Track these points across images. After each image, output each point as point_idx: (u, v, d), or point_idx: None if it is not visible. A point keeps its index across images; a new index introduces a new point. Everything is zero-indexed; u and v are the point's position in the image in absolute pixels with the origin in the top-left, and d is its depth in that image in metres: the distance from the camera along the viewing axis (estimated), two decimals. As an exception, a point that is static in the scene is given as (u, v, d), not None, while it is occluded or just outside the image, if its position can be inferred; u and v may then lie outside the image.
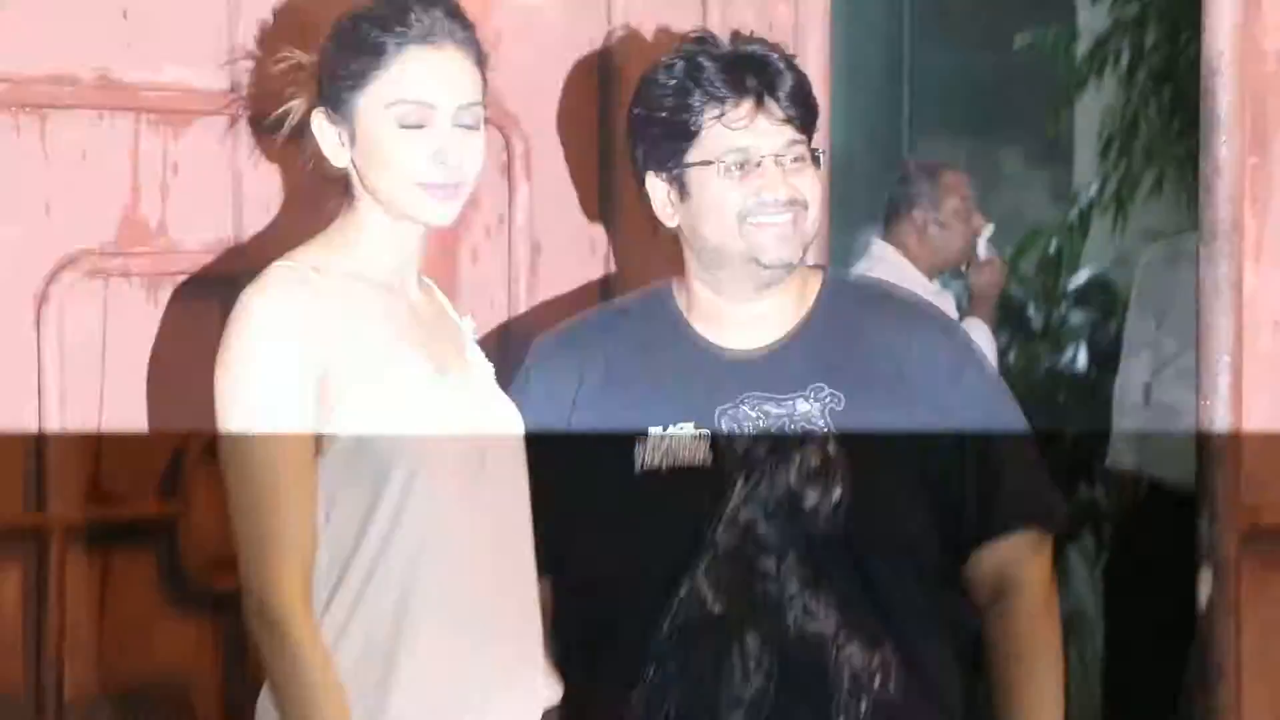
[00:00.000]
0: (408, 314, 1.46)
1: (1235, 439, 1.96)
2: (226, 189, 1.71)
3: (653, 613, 1.58)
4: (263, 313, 1.37)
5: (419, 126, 1.32)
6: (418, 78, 1.33)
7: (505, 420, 1.47)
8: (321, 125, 1.35)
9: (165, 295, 1.77)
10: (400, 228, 1.38)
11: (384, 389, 1.40)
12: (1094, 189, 4.45)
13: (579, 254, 1.89)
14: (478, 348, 1.52)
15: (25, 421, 1.68)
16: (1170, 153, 3.81)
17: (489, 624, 1.48)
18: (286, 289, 1.38)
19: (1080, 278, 4.48)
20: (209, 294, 1.69)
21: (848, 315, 1.63)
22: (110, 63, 1.67)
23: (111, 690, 1.85)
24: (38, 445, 1.71)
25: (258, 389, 1.36)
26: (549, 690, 1.53)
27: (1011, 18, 4.81)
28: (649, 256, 1.75)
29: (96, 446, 1.80)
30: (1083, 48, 4.35)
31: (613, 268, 1.91)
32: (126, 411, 1.78)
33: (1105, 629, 3.35)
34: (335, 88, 1.35)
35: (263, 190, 1.73)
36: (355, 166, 1.37)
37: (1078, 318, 4.26)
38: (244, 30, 1.69)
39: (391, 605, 1.44)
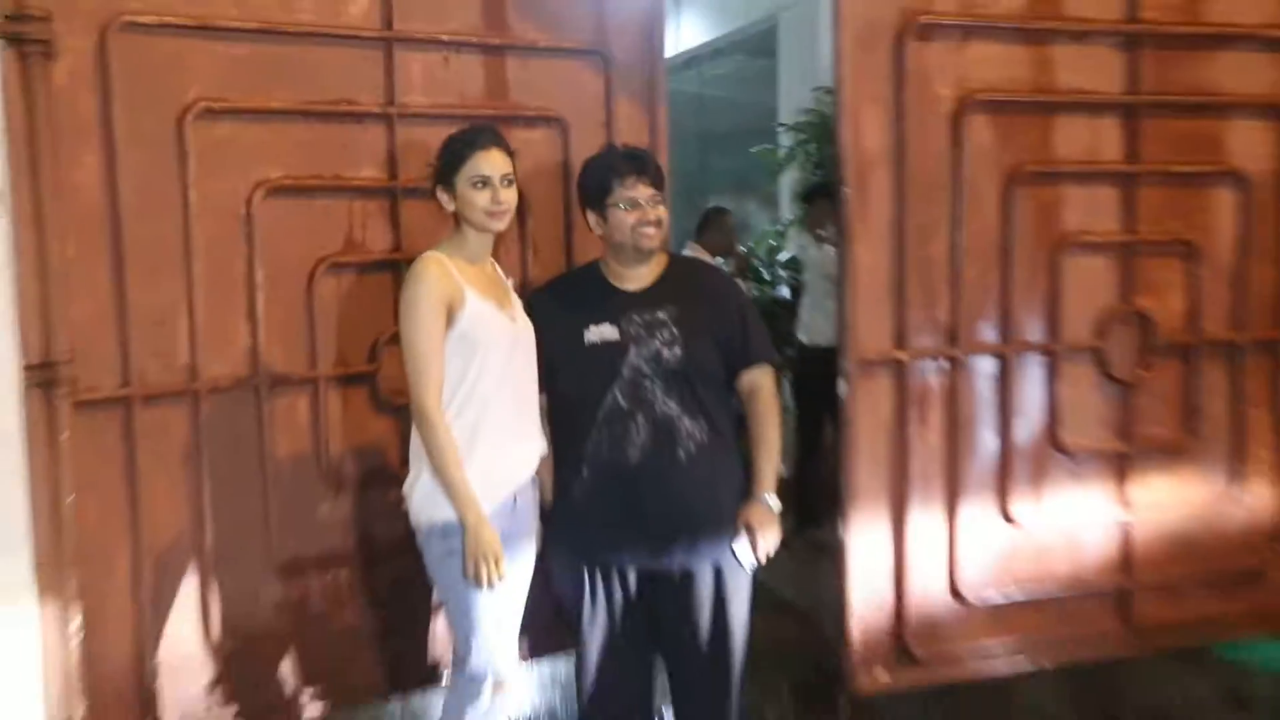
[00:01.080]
0: (485, 277, 2.48)
1: (846, 325, 3.22)
2: (391, 221, 2.91)
3: (594, 407, 2.60)
4: (424, 272, 2.36)
5: (484, 187, 2.40)
6: (483, 164, 2.40)
7: (525, 326, 2.52)
8: (440, 192, 2.44)
9: (365, 275, 2.89)
10: (481, 235, 2.45)
11: (474, 312, 2.39)
12: (788, 216, 7.18)
13: (555, 250, 3.08)
14: (514, 293, 2.57)
15: (304, 334, 2.85)
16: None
17: (518, 415, 2.50)
18: (433, 262, 2.39)
19: (784, 256, 7.02)
20: (384, 272, 2.91)
21: (681, 271, 2.73)
22: (341, 170, 2.85)
23: (351, 450, 2.91)
24: (310, 342, 2.85)
25: (422, 306, 2.34)
26: (542, 446, 2.57)
27: (752, 141, 7.41)
28: (589, 251, 2.93)
29: (339, 341, 2.88)
30: (782, 153, 7.06)
31: (574, 257, 3.07)
32: (351, 324, 2.89)
33: (796, 411, 5.36)
34: (445, 172, 2.43)
35: (414, 221, 2.91)
36: (457, 208, 2.43)
37: (783, 274, 6.79)
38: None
39: (475, 409, 2.41)
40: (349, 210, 2.90)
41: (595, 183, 2.66)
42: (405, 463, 2.83)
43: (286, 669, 2.92)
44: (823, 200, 5.08)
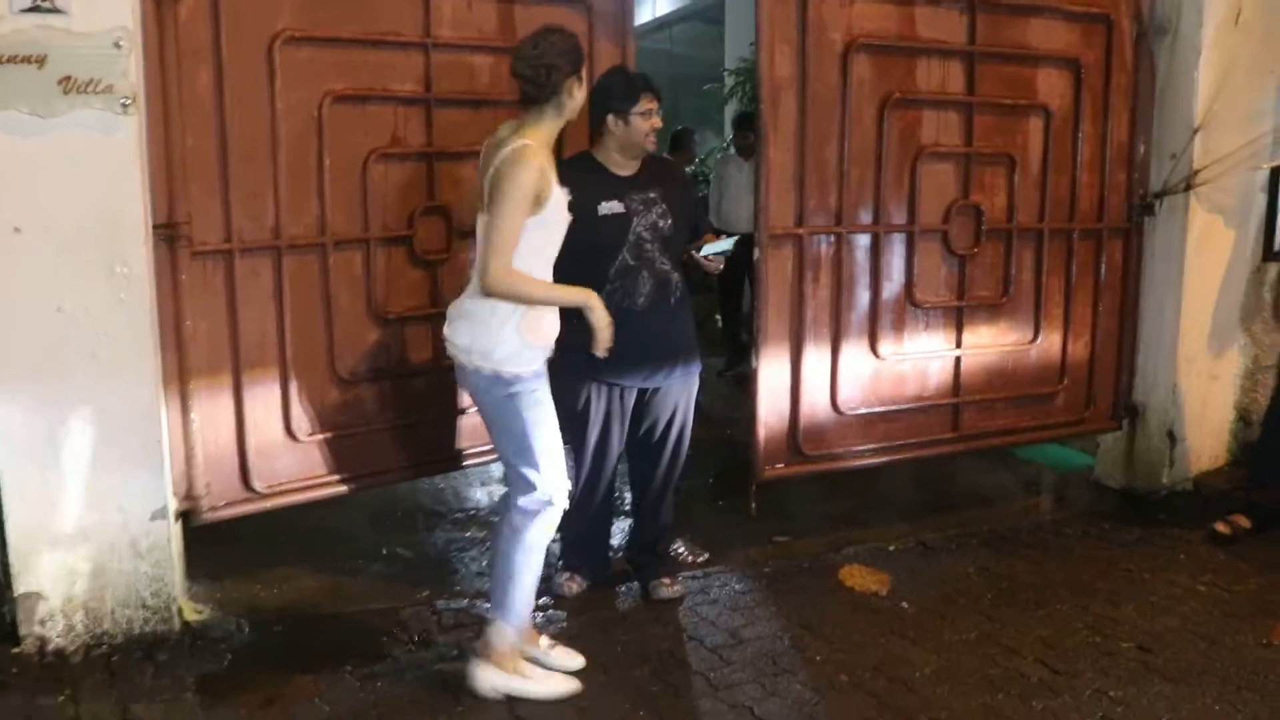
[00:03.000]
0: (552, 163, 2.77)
1: (761, 208, 3.84)
2: (426, 124, 3.49)
3: (608, 264, 3.17)
4: (528, 164, 2.63)
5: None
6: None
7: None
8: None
9: (406, 163, 3.48)
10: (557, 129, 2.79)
11: (556, 201, 2.73)
12: (729, 137, 8.03)
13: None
14: None
15: (359, 206, 3.46)
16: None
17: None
18: (535, 156, 2.66)
19: None
20: (421, 161, 3.52)
21: (657, 164, 3.33)
22: (389, 85, 3.43)
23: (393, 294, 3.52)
24: (364, 212, 3.46)
25: (518, 195, 2.64)
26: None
27: (704, 80, 8.60)
28: (574, 147, 3.42)
29: (384, 212, 3.48)
30: (726, 90, 8.31)
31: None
32: (395, 199, 3.48)
33: (719, 282, 6.21)
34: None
35: (444, 123, 3.51)
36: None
37: None
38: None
39: (540, 276, 2.78)
40: (394, 115, 3.49)
41: (623, 93, 3.15)
42: (435, 302, 3.47)
43: (345, 454, 3.57)
44: (748, 125, 6.04)
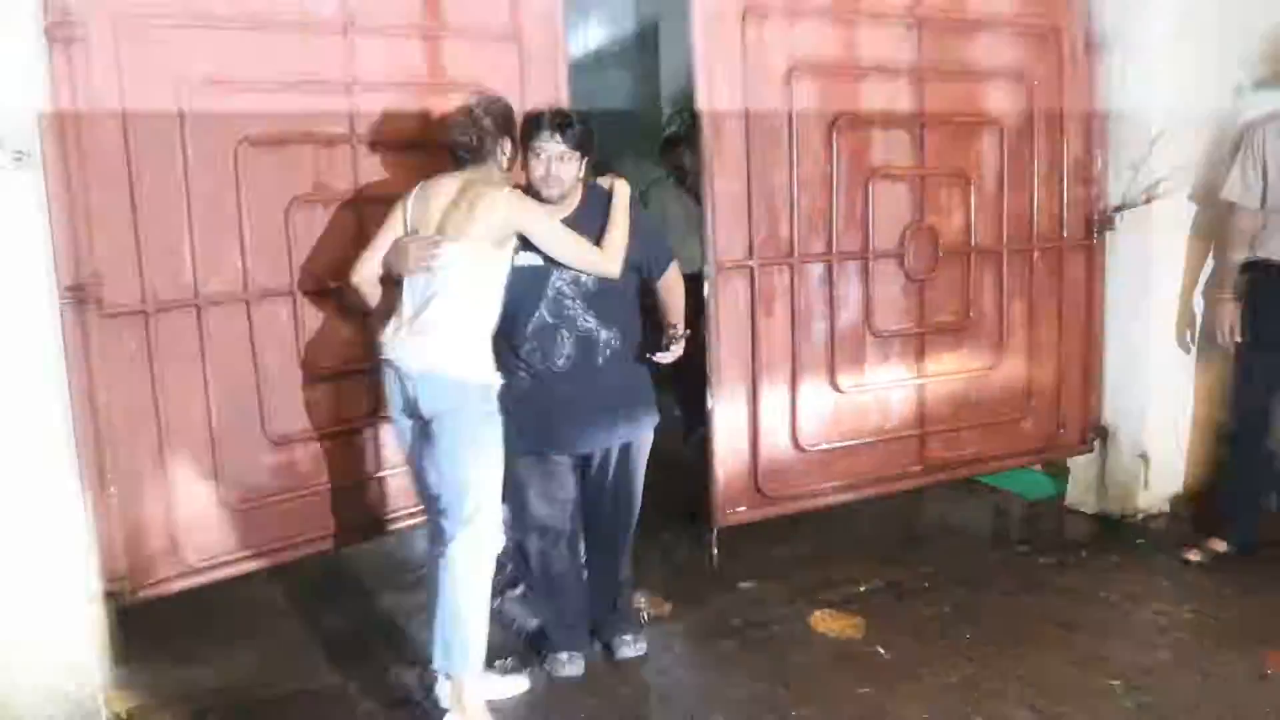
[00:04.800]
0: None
1: (709, 240, 3.66)
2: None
3: (525, 322, 2.98)
4: (520, 197, 2.88)
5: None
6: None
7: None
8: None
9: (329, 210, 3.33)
10: None
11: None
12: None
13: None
14: None
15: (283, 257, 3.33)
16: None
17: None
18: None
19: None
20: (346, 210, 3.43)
21: (596, 201, 3.04)
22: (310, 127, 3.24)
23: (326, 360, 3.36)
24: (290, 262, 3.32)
25: (534, 207, 2.90)
26: None
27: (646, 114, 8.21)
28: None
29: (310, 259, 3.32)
30: (665, 120, 7.77)
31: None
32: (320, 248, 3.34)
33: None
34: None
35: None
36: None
37: None
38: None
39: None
40: (314, 158, 3.30)
41: (524, 129, 2.98)
42: (368, 356, 3.25)
43: (282, 521, 3.39)
44: (675, 146, 5.66)
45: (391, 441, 3.40)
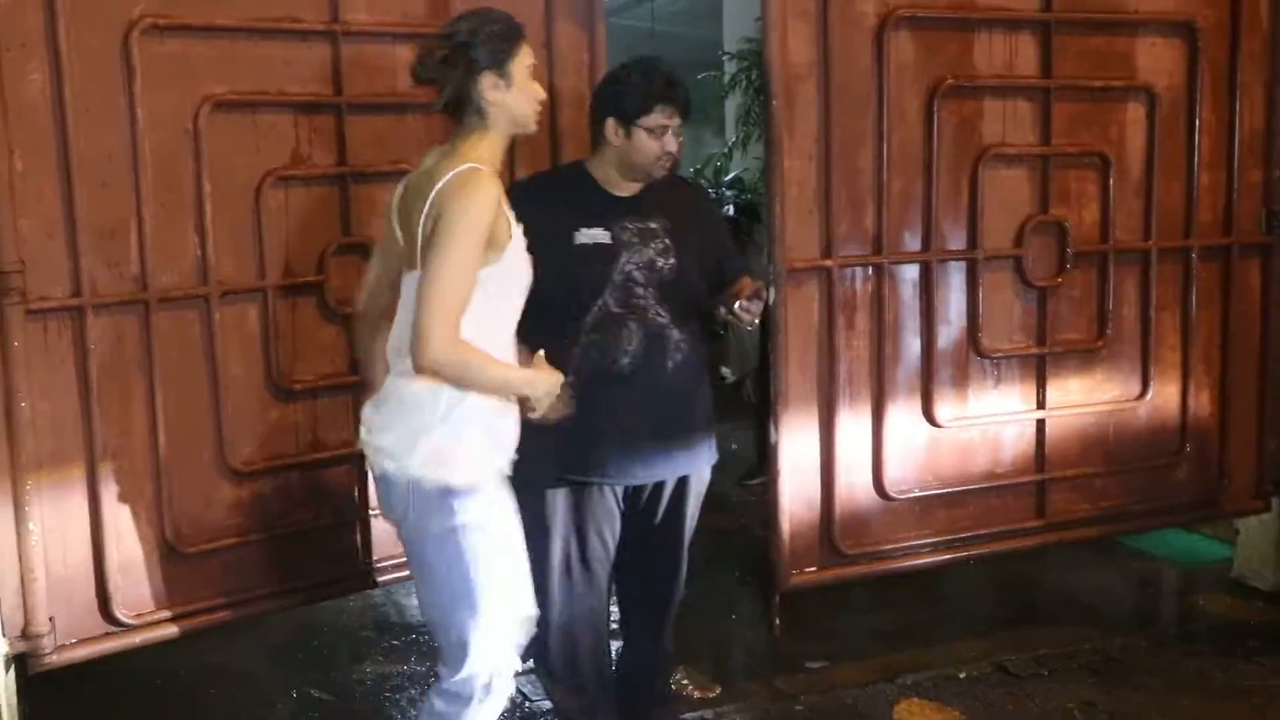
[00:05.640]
0: None
1: (775, 235, 3.24)
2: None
3: (582, 312, 2.63)
4: (482, 194, 2.11)
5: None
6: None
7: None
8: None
9: (311, 188, 2.97)
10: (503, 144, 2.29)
11: (516, 248, 2.23)
12: (732, 139, 7.59)
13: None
14: None
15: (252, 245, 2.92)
16: (759, 122, 6.44)
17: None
18: (490, 184, 2.15)
19: (729, 176, 7.60)
20: (331, 186, 2.99)
21: (667, 184, 2.74)
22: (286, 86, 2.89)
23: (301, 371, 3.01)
24: (259, 253, 2.92)
25: (471, 235, 2.09)
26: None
27: (700, 70, 7.63)
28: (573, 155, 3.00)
29: (286, 253, 2.97)
30: (726, 79, 7.49)
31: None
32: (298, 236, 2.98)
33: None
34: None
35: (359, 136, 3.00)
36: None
37: (728, 193, 7.38)
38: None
39: (501, 335, 2.25)
40: (294, 126, 2.98)
41: (632, 97, 2.65)
42: (354, 369, 2.93)
43: (241, 569, 3.04)
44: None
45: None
